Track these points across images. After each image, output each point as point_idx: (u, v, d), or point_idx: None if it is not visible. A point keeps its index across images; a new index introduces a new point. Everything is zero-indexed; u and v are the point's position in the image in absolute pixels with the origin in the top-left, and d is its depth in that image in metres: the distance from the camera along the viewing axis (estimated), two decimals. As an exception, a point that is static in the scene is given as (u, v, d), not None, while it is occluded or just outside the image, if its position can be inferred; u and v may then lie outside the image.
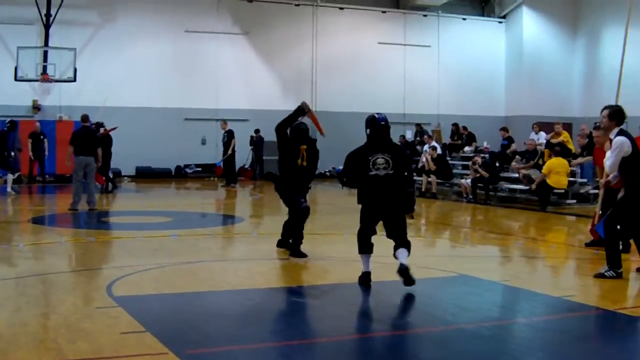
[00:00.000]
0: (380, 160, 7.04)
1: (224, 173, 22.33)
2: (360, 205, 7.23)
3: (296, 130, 8.91)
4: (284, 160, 8.93)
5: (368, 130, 7.23)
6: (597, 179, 10.37)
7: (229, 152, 21.71)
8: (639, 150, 7.82)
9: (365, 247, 7.27)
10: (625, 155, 7.69)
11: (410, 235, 7.28)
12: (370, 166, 7.03)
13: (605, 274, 7.73)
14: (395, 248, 7.10)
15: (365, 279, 7.22)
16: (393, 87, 27.18)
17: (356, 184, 7.25)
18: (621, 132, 7.82)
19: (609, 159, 7.86)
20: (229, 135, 21.81)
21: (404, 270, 6.90)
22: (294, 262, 8.63)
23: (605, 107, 8.08)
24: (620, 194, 7.92)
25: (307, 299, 7.09)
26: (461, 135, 23.40)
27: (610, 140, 7.93)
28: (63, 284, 7.34)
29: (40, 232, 11.62)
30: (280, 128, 8.88)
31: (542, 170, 15.62)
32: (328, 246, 9.84)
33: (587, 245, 10.00)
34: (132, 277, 7.56)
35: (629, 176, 7.76)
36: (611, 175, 8.08)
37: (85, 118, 14.33)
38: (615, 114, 7.89)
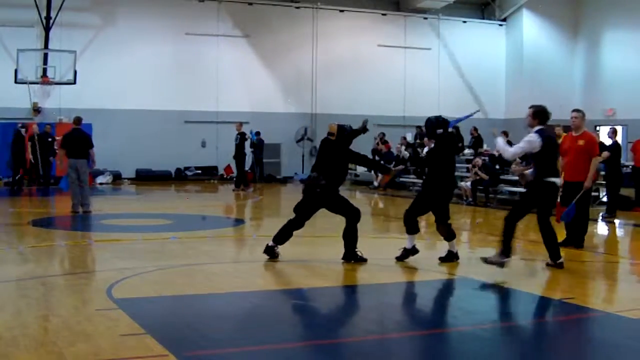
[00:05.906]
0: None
1: (237, 176, 21.70)
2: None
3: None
4: (342, 167, 8.98)
5: (440, 130, 8.24)
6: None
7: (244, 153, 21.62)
8: (554, 150, 8.41)
9: (414, 228, 8.89)
10: (534, 152, 8.18)
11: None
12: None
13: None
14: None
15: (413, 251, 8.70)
16: (393, 89, 27.19)
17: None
18: (540, 131, 8.23)
19: (514, 147, 8.54)
20: (242, 138, 21.37)
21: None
22: (292, 264, 8.63)
23: (530, 107, 8.48)
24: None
25: (306, 301, 7.09)
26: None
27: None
28: (63, 287, 7.35)
29: (40, 234, 11.61)
30: (349, 137, 8.90)
31: None
32: (327, 248, 9.81)
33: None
34: (132, 279, 7.56)
35: (536, 171, 8.36)
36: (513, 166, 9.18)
37: (77, 120, 14.25)
38: (538, 113, 8.34)
